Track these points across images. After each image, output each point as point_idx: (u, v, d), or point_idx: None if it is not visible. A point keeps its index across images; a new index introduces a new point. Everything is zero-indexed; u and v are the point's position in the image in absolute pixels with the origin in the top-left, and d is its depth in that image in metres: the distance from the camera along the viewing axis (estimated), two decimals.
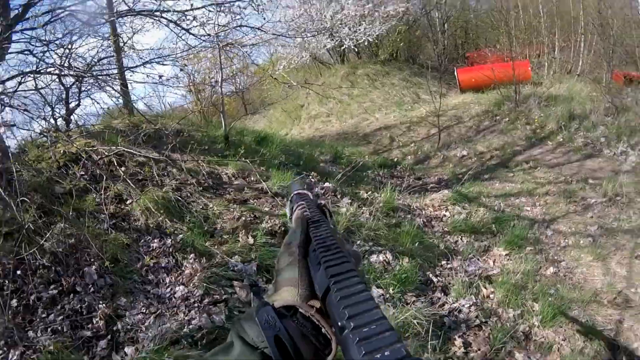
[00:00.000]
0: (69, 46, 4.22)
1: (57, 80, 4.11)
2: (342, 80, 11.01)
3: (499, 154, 5.95)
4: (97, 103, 5.09)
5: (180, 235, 2.62)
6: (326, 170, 4.82)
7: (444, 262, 3.17)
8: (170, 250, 2.53)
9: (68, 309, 2.18)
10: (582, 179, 4.79)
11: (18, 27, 3.39)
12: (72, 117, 4.54)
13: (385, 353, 0.25)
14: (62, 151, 3.19)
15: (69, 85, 4.34)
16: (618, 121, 5.65)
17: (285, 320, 0.38)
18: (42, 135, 3.55)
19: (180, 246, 2.54)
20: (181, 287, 2.25)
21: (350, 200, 3.74)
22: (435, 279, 2.90)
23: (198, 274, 2.26)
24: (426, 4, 10.88)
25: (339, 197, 3.80)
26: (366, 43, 9.99)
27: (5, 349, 1.74)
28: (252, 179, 3.53)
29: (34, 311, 2.19)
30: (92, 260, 2.39)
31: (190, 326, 1.90)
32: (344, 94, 10.67)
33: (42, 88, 3.95)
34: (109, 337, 2.02)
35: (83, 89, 4.63)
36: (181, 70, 4.43)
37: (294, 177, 3.56)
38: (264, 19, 6.17)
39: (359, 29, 9.36)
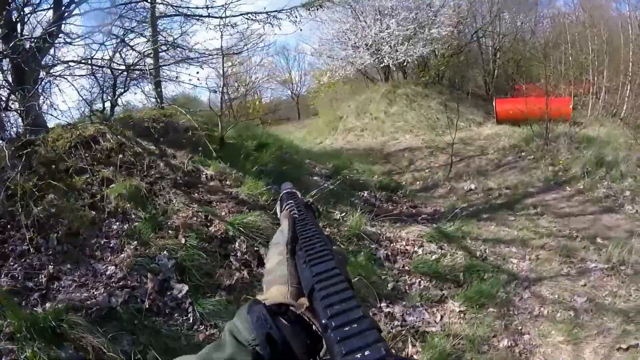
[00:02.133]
0: (121, 41, 4.82)
1: (109, 69, 4.69)
2: (382, 97, 10.74)
3: (508, 193, 5.32)
4: (144, 93, 5.69)
5: (136, 223, 2.85)
6: (317, 184, 4.77)
7: (383, 305, 2.80)
8: (123, 234, 2.76)
9: (27, 263, 2.51)
10: (589, 236, 4.00)
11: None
12: (117, 102, 5.14)
13: (366, 352, 0.25)
14: (78, 133, 3.64)
15: (117, 74, 4.90)
16: None
17: (277, 318, 0.37)
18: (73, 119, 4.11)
19: (131, 232, 2.75)
20: (112, 267, 2.45)
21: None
22: None
23: (128, 259, 2.44)
24: (478, 30, 10.12)
25: None
26: (406, 63, 9.65)
27: None
28: (228, 182, 3.66)
29: (5, 259, 2.56)
30: (59, 229, 2.72)
31: (93, 300, 2.07)
32: (381, 110, 10.40)
33: (93, 72, 4.56)
34: (44, 292, 2.29)
35: (130, 79, 5.23)
36: (197, 72, 4.73)
37: (265, 187, 3.61)
38: (300, 30, 6.33)
39: (400, 49, 9.07)
